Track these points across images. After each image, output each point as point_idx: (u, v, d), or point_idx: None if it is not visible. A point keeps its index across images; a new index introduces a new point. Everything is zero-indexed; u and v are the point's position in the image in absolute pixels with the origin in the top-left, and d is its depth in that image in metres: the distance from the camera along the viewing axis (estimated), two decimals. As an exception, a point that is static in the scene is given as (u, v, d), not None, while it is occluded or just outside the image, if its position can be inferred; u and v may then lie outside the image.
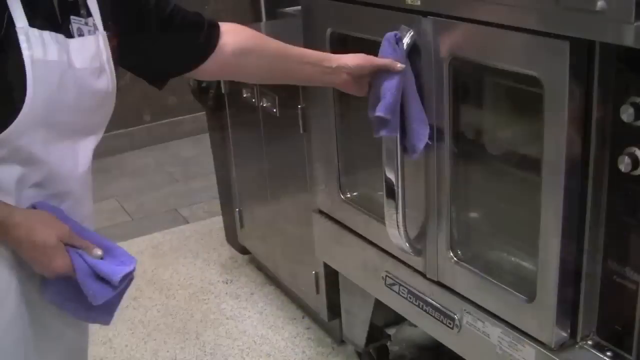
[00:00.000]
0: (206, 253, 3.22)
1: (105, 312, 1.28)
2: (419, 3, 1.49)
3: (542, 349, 1.41)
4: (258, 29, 1.80)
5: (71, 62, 1.17)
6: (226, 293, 2.88)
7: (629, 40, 1.07)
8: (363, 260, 1.91)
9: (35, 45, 1.12)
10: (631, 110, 1.14)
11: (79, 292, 1.21)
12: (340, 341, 2.42)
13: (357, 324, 2.23)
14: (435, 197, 1.60)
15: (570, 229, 1.29)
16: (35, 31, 1.12)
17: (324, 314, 2.37)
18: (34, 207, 1.19)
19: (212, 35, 1.44)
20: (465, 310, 1.58)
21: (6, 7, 1.10)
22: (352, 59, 1.56)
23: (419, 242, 1.68)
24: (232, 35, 1.47)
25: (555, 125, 1.24)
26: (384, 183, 1.64)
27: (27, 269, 1.20)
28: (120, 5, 1.30)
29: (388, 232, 1.68)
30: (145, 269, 3.06)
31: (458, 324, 1.60)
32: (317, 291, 2.35)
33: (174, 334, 2.63)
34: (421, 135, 1.54)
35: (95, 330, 2.21)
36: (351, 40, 1.78)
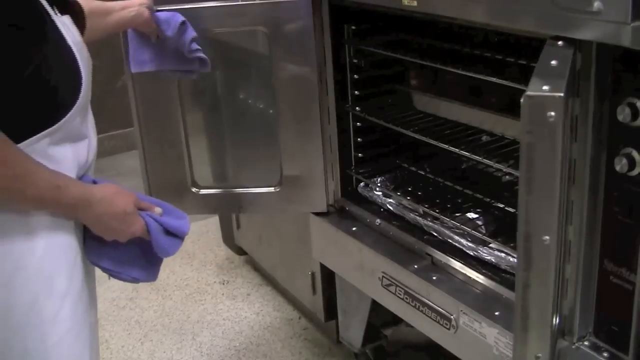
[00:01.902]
0: (203, 254, 3.22)
1: (155, 269, 1.45)
2: (415, 4, 1.50)
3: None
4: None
5: (77, 36, 1.25)
6: (223, 294, 2.88)
7: (625, 40, 1.07)
8: (359, 261, 1.91)
9: (66, 30, 1.20)
10: (628, 110, 1.14)
11: (133, 256, 1.35)
12: (337, 342, 2.42)
13: (353, 324, 2.23)
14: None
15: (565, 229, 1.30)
16: (60, 17, 1.20)
17: (320, 314, 2.37)
18: (94, 182, 1.29)
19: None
20: (461, 310, 1.58)
21: None
22: None
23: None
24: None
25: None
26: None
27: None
28: None
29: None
30: (141, 270, 3.06)
31: (455, 324, 1.60)
32: (314, 292, 2.35)
33: (170, 335, 2.63)
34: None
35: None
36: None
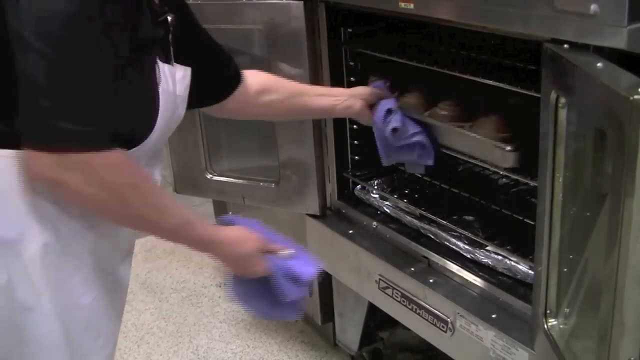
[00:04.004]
0: (199, 256, 3.21)
1: (290, 308, 1.42)
2: (412, 7, 1.50)
3: (534, 352, 1.41)
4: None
5: (175, 90, 1.26)
6: (219, 296, 2.87)
7: (621, 43, 1.08)
8: (356, 264, 1.90)
9: (163, 78, 1.21)
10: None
11: (263, 292, 1.37)
12: (334, 345, 2.42)
13: (350, 327, 2.23)
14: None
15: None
16: (161, 65, 1.21)
17: (317, 317, 2.37)
18: (231, 222, 1.39)
19: (238, 70, 1.51)
20: (458, 313, 1.58)
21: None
22: (362, 89, 1.73)
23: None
24: (251, 75, 1.55)
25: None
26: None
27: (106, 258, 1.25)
28: (189, 38, 1.35)
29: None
30: (138, 272, 3.05)
31: (451, 327, 1.60)
32: (310, 294, 2.34)
33: (167, 338, 2.63)
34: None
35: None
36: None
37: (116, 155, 1.09)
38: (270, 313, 1.44)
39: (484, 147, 1.60)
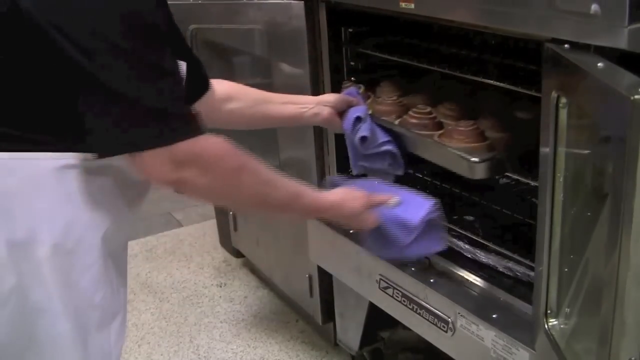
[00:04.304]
0: (200, 256, 3.21)
1: (432, 242, 1.52)
2: (412, 6, 1.50)
3: (535, 352, 1.41)
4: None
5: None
6: (220, 296, 2.87)
7: (622, 43, 1.08)
8: (357, 264, 1.90)
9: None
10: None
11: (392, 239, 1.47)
12: (335, 344, 2.42)
13: (351, 327, 2.23)
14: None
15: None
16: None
17: (318, 317, 2.37)
18: (338, 183, 1.52)
19: (207, 76, 1.48)
20: (459, 313, 1.58)
21: None
22: (330, 96, 1.72)
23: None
24: (216, 83, 1.53)
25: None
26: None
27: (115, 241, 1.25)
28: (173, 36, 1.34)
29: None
30: (139, 272, 3.06)
31: (452, 327, 1.60)
32: (311, 294, 2.35)
33: (167, 338, 2.63)
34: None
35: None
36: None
37: (218, 143, 1.16)
38: (407, 252, 1.50)
39: (450, 158, 1.58)
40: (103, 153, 1.12)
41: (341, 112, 1.70)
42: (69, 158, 1.11)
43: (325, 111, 1.68)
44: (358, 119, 1.66)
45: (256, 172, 1.25)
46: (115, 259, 1.25)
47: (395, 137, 1.69)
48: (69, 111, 1.07)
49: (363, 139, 1.65)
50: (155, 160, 1.09)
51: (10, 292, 1.10)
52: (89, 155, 1.12)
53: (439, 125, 1.68)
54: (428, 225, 1.48)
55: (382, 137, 1.68)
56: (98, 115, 1.06)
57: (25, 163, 1.08)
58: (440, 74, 1.76)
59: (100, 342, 1.21)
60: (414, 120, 1.69)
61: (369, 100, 1.81)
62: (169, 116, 1.09)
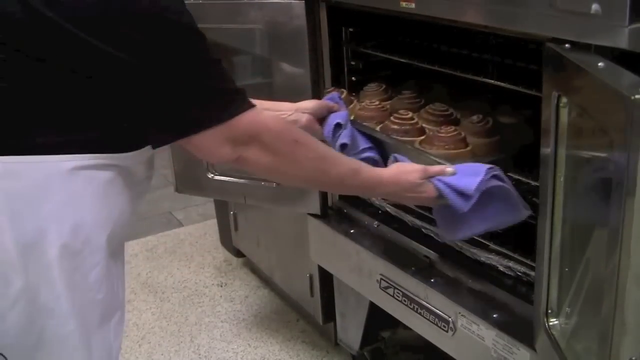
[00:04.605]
0: (200, 256, 3.21)
1: (512, 212, 1.47)
2: (413, 6, 1.50)
3: (536, 352, 1.41)
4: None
5: None
6: (221, 296, 2.88)
7: (622, 42, 1.08)
8: (358, 263, 1.91)
9: None
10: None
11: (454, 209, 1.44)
12: (335, 344, 2.42)
13: (351, 326, 2.23)
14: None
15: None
16: None
17: (318, 316, 2.37)
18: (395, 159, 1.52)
19: None
20: (459, 313, 1.58)
21: None
22: (308, 103, 1.70)
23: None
24: None
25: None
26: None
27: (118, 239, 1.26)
28: None
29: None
30: (139, 272, 3.06)
31: (453, 326, 1.60)
32: (312, 294, 2.35)
33: (168, 337, 2.63)
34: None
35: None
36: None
37: (275, 118, 1.24)
38: (488, 224, 1.48)
39: (428, 164, 1.54)
40: (164, 139, 1.16)
41: (322, 119, 1.67)
42: (77, 159, 1.11)
43: (304, 118, 1.64)
44: (338, 126, 1.63)
45: (311, 147, 1.28)
46: (116, 256, 1.25)
47: (377, 144, 1.67)
48: (81, 112, 1.09)
49: (343, 145, 1.62)
50: (216, 140, 1.15)
51: (20, 294, 1.10)
52: (95, 156, 1.13)
53: (421, 131, 1.67)
54: (491, 194, 1.44)
55: (363, 143, 1.66)
56: (161, 100, 1.10)
57: (34, 166, 1.09)
58: (429, 75, 1.75)
59: (102, 337, 1.22)
60: (395, 127, 1.67)
61: (352, 105, 1.79)
62: (227, 92, 1.15)
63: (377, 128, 1.71)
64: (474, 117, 1.62)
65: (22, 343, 1.13)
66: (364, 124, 1.73)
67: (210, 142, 1.15)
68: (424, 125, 1.70)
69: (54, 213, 1.11)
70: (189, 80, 1.10)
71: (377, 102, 1.81)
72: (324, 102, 1.71)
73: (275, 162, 1.23)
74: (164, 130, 1.14)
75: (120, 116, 1.12)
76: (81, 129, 1.10)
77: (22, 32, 1.03)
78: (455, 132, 1.59)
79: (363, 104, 1.83)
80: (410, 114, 1.70)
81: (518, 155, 1.60)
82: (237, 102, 1.16)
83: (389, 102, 1.88)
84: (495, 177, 1.43)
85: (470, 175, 1.43)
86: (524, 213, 1.47)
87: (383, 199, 1.88)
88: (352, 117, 1.72)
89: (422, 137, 1.65)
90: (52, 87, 1.07)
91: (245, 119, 1.16)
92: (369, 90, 1.91)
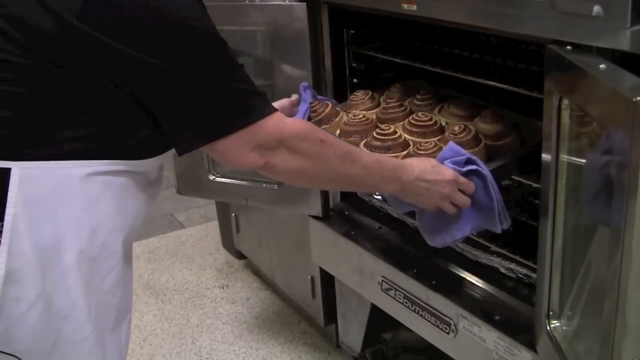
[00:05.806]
0: (202, 258, 3.21)
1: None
2: (414, 8, 1.50)
3: (537, 354, 1.41)
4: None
5: None
6: (222, 298, 2.88)
7: (624, 44, 1.08)
8: (359, 265, 1.91)
9: None
10: None
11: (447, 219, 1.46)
12: (337, 346, 2.42)
13: (353, 328, 2.23)
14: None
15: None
16: None
17: (320, 318, 2.37)
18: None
19: None
20: (461, 315, 1.58)
21: None
22: (276, 103, 1.70)
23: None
24: None
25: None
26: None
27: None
28: None
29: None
30: (141, 274, 3.06)
31: (454, 328, 1.60)
32: (313, 296, 2.35)
33: (169, 339, 2.63)
34: None
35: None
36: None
37: (299, 122, 1.23)
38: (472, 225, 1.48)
39: None
40: (194, 144, 1.15)
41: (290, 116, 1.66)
42: (93, 165, 1.12)
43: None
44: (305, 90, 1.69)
45: (335, 145, 1.27)
46: (128, 259, 1.26)
47: None
48: (100, 119, 1.10)
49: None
50: (243, 145, 1.15)
51: (36, 298, 1.10)
52: (112, 162, 1.14)
53: (404, 145, 1.64)
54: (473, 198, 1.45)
55: None
56: (192, 104, 1.10)
57: (52, 172, 1.09)
58: (431, 77, 1.74)
59: (115, 340, 1.23)
60: (377, 142, 1.64)
61: (337, 118, 1.77)
62: (252, 95, 1.15)
63: (362, 144, 1.68)
64: (456, 128, 1.60)
65: (37, 347, 1.13)
66: (350, 138, 1.71)
67: (237, 147, 1.15)
68: (406, 136, 1.67)
69: (71, 218, 1.12)
70: (218, 84, 1.10)
71: (360, 116, 1.76)
72: (289, 100, 1.72)
73: (305, 165, 1.23)
74: (195, 134, 1.14)
75: (141, 123, 1.13)
76: (99, 136, 1.11)
77: (57, 45, 1.04)
78: (435, 148, 1.56)
79: (346, 118, 1.79)
80: (392, 129, 1.67)
81: (505, 165, 1.57)
82: (261, 106, 1.16)
83: (375, 110, 1.84)
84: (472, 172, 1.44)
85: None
86: (501, 227, 1.46)
87: (386, 201, 1.88)
88: (337, 133, 1.73)
89: (405, 152, 1.62)
90: (73, 94, 1.08)
91: (270, 123, 1.16)
92: (354, 99, 1.87)
